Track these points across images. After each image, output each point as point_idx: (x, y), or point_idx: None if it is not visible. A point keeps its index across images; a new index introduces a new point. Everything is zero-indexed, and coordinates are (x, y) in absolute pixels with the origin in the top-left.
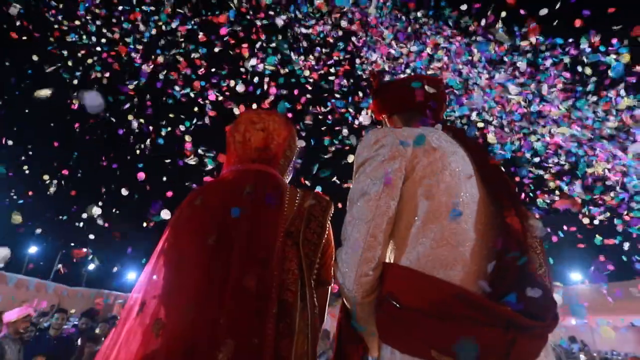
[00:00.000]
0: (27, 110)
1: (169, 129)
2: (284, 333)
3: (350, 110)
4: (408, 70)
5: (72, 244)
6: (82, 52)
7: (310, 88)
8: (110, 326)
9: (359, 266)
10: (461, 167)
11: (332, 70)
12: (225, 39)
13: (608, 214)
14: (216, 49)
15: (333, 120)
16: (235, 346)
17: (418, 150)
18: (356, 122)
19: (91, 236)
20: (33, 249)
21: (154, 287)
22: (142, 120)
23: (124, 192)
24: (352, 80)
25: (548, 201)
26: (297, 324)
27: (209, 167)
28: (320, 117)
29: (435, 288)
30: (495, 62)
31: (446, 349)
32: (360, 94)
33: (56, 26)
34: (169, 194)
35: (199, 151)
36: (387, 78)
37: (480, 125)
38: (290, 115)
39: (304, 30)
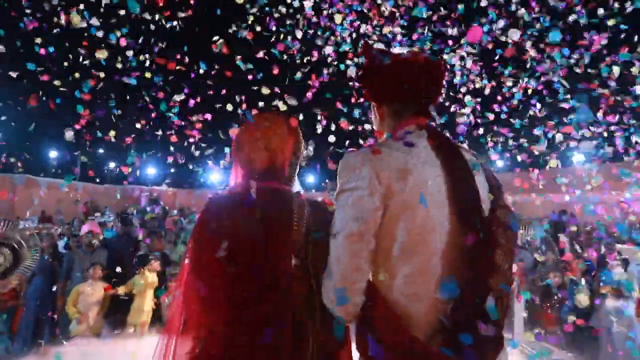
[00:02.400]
0: None
1: None
2: (300, 347)
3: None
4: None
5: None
6: None
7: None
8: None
9: (345, 298)
10: (435, 198)
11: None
12: None
13: None
14: None
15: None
16: None
17: (394, 186)
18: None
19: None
20: (53, 154)
21: (192, 303)
22: None
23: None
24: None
25: None
26: (310, 342)
27: None
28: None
29: (401, 334)
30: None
31: None
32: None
33: None
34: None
35: None
36: (379, 50)
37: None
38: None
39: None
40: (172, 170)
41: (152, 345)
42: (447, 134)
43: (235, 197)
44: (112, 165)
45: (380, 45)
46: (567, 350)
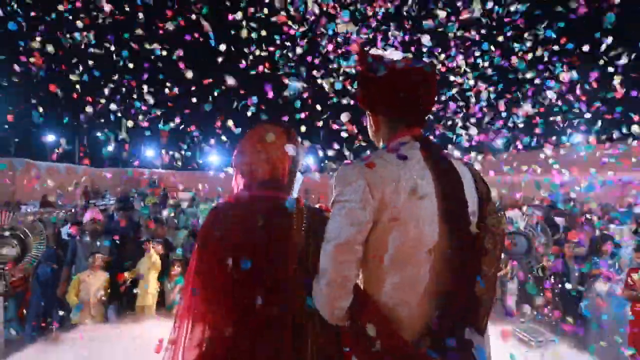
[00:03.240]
0: None
1: None
2: (300, 349)
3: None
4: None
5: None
6: None
7: None
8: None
9: (332, 302)
10: (426, 211)
11: None
12: None
13: None
14: None
15: None
16: None
17: (387, 200)
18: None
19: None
20: (51, 137)
21: (199, 305)
22: None
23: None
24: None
25: None
26: (309, 344)
27: None
28: None
29: (391, 337)
30: None
31: None
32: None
33: None
34: None
35: None
36: (375, 57)
37: None
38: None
39: None
40: (172, 152)
41: (159, 329)
42: (438, 144)
43: (238, 205)
44: (110, 148)
45: (376, 51)
46: (558, 334)
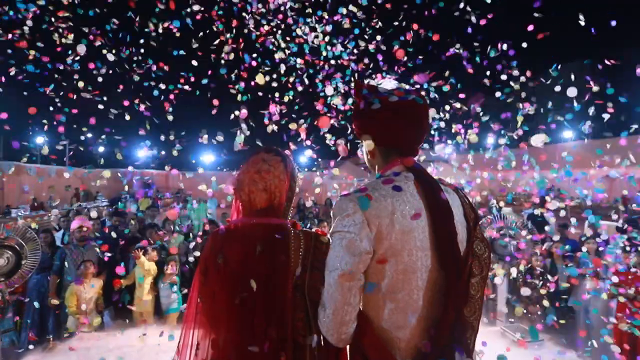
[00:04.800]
0: None
1: None
2: None
3: None
4: None
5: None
6: None
7: None
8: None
9: (339, 328)
10: (419, 242)
11: None
12: None
13: None
14: None
15: None
16: None
17: (384, 231)
18: None
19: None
20: (40, 139)
21: (202, 325)
22: None
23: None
24: None
25: None
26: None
27: None
28: None
29: (387, 357)
30: None
31: None
32: None
33: None
34: None
35: None
36: (370, 89)
37: None
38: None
39: None
40: (163, 152)
41: (155, 336)
42: (429, 174)
43: (237, 232)
44: (101, 149)
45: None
46: (547, 332)
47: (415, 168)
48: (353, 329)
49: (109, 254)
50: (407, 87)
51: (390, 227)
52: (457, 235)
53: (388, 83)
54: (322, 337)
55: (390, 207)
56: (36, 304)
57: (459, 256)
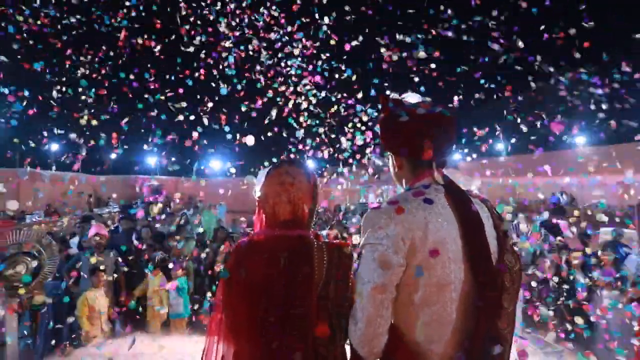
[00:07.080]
0: None
1: None
2: None
3: None
4: None
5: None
6: None
7: None
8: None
9: (371, 341)
10: (452, 254)
11: None
12: None
13: None
14: None
15: None
16: None
17: (417, 244)
18: None
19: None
20: (55, 147)
21: (226, 338)
22: None
23: None
24: None
25: None
26: None
27: None
28: None
29: None
30: None
31: None
32: None
33: None
34: None
35: None
36: (395, 102)
37: None
38: None
39: None
40: (174, 159)
41: (171, 345)
42: (459, 187)
43: (261, 244)
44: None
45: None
46: (564, 343)
47: (445, 180)
48: (384, 342)
49: (124, 264)
50: (430, 99)
51: (424, 240)
52: (490, 247)
53: (412, 97)
54: (346, 351)
55: (422, 220)
56: (49, 312)
57: (491, 268)
